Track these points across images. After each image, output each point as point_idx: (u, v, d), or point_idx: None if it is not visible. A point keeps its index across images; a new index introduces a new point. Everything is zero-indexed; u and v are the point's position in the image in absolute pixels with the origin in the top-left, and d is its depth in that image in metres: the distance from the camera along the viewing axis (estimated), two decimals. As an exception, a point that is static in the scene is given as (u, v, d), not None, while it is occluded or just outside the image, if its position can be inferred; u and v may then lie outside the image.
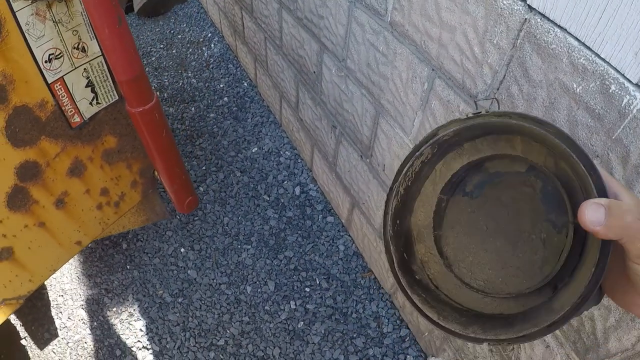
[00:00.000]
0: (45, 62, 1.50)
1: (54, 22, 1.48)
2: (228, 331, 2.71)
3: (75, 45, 1.56)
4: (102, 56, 1.66)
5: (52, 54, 1.51)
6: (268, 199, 3.12)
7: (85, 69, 1.63)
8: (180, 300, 2.83)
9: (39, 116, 1.58)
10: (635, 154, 1.02)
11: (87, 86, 1.66)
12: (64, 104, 1.62)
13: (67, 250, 1.99)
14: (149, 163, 2.07)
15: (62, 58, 1.54)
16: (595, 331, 1.35)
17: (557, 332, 1.49)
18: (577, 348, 1.45)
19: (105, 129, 1.82)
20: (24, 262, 1.83)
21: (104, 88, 1.72)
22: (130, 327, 2.79)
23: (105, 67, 1.69)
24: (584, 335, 1.40)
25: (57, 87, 1.57)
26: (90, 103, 1.71)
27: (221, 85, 3.82)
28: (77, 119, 1.69)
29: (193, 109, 3.66)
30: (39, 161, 1.66)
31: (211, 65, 4.00)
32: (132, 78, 1.60)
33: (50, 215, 1.82)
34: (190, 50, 4.19)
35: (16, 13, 1.38)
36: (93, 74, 1.66)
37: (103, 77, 1.70)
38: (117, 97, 1.79)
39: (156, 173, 2.10)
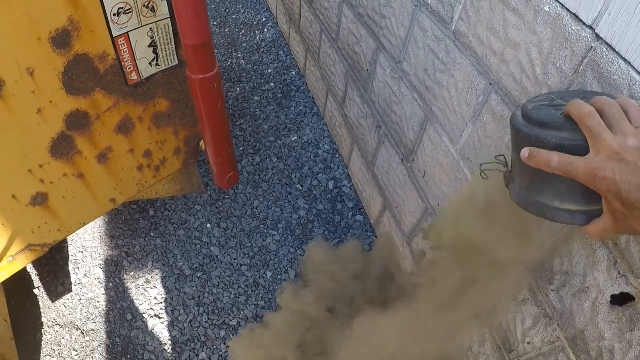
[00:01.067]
0: (114, 15, 1.51)
1: (128, -23, 1.50)
2: (242, 313, 2.72)
3: (146, 4, 1.57)
4: (169, 19, 1.66)
5: (122, 8, 1.52)
6: (301, 188, 3.12)
7: (151, 28, 1.64)
8: (199, 275, 2.84)
9: (98, 67, 1.59)
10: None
11: (150, 46, 1.67)
12: (124, 60, 1.63)
13: (101, 206, 2.00)
14: (196, 132, 2.08)
15: (130, 14, 1.55)
16: None
17: (573, 359, 1.48)
18: None
19: (160, 92, 1.83)
20: (56, 210, 1.85)
21: (166, 51, 1.73)
22: (146, 293, 2.81)
23: (170, 30, 1.70)
24: None
25: (120, 42, 1.58)
26: (150, 63, 1.72)
27: (269, 71, 3.82)
28: (134, 76, 1.70)
29: (238, 89, 3.67)
30: (90, 112, 1.67)
31: (262, 50, 4.00)
32: (200, 44, 1.60)
33: (91, 168, 1.84)
34: (243, 32, 4.20)
35: (94, -38, 1.39)
36: (158, 35, 1.67)
37: (167, 39, 1.71)
38: (177, 62, 1.79)
39: (201, 144, 2.11)
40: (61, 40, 1.45)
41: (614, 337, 1.28)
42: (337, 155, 3.24)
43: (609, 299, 1.26)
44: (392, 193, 2.52)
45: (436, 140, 1.98)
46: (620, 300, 1.22)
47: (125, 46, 1.60)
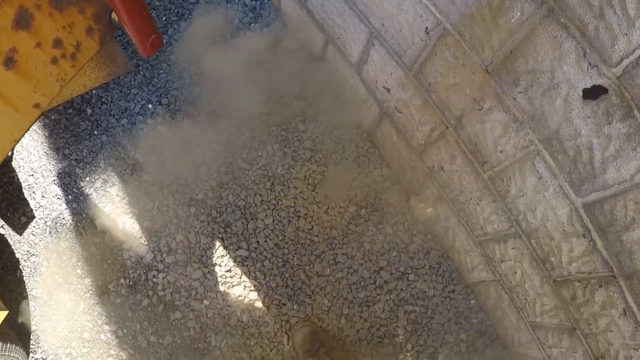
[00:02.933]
0: None
1: None
2: (206, 184, 2.71)
3: None
4: None
5: None
6: (235, 43, 2.98)
7: None
8: (153, 158, 2.79)
9: (-31, -41, 1.40)
10: None
11: None
12: (-5, -59, 1.44)
13: (26, 115, 1.85)
14: (103, 5, 1.89)
15: None
16: (593, 161, 1.34)
17: (551, 162, 1.49)
18: (572, 179, 1.45)
19: (49, -31, 1.64)
20: (-21, 136, 1.70)
21: None
22: (106, 194, 2.78)
23: None
24: (580, 166, 1.39)
25: None
26: (25, -63, 1.52)
27: None
28: (14, -42, 1.51)
29: (143, -43, 3.43)
30: (-23, 16, 1.49)
31: None
32: None
33: (1, 78, 1.67)
34: None
35: None
36: None
37: None
38: None
39: (113, 16, 1.93)
40: None
41: (591, 133, 1.30)
42: (265, 1, 3.08)
43: (581, 94, 1.26)
44: (332, 25, 2.42)
45: (368, -49, 1.87)
46: (593, 93, 1.22)
47: None
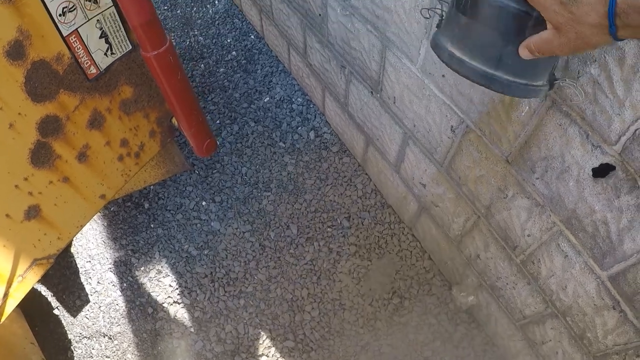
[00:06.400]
0: (59, 15, 1.52)
1: (63, -26, 1.50)
2: (255, 277, 2.77)
3: (86, -3, 1.58)
4: (113, 7, 1.67)
5: (66, 7, 1.52)
6: (284, 145, 3.15)
7: (98, 20, 1.65)
8: (206, 252, 2.88)
9: (57, 70, 1.60)
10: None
11: (100, 37, 1.68)
12: (80, 56, 1.65)
13: (92, 204, 2.03)
14: (165, 111, 2.10)
15: (75, 11, 1.56)
16: (610, 234, 1.38)
17: (574, 240, 1.53)
18: (595, 254, 1.48)
19: (121, 79, 1.85)
20: (51, 219, 1.87)
21: (117, 38, 1.74)
22: (160, 284, 2.85)
23: (117, 17, 1.70)
24: (600, 240, 1.43)
25: (72, 39, 1.59)
26: (105, 54, 1.73)
27: (228, 40, 3.81)
28: (93, 70, 1.72)
29: (202, 65, 3.67)
30: (59, 115, 1.69)
31: (217, 22, 3.98)
32: (146, 21, 1.60)
33: (74, 170, 1.85)
34: (195, 8, 4.17)
35: (27, -32, 1.40)
36: (106, 25, 1.68)
37: (116, 27, 1.72)
38: (130, 47, 1.81)
39: (173, 120, 2.13)
40: (15, 51, 1.45)
41: (604, 208, 1.34)
42: (311, 106, 3.27)
43: (591, 173, 1.31)
44: (371, 127, 2.55)
45: (397, 64, 2.01)
46: (602, 171, 1.27)
47: (78, 43, 1.61)
